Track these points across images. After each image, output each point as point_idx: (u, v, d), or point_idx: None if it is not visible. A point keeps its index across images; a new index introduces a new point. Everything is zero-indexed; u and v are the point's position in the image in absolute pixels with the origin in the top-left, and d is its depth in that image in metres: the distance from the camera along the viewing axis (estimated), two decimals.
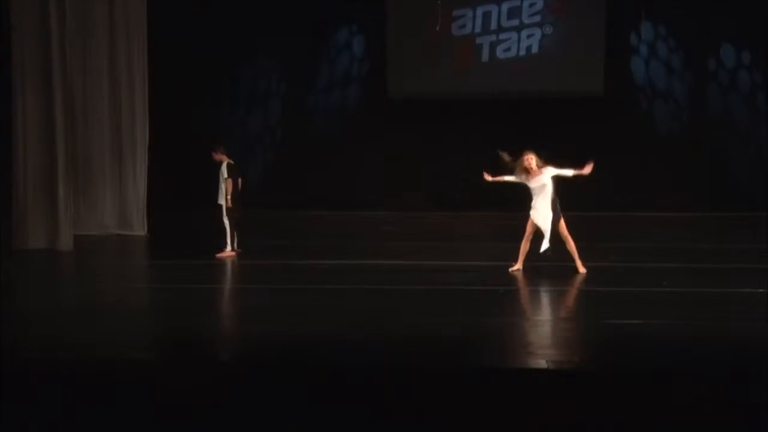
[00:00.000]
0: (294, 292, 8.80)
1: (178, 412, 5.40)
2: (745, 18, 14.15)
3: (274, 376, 5.79)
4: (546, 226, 9.29)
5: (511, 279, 9.32)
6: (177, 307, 8.16)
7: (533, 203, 9.40)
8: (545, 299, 8.66)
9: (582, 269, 9.35)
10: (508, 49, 15.04)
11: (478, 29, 15.08)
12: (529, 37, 14.98)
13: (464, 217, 13.95)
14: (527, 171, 9.35)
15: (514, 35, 15.01)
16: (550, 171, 9.32)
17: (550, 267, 9.78)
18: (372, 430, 5.21)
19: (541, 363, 6.23)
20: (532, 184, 9.37)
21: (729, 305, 8.09)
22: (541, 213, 9.32)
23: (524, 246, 9.46)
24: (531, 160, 9.32)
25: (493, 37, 15.05)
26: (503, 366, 6.14)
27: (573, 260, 9.37)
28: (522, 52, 14.99)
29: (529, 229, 9.41)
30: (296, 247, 11.43)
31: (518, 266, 9.46)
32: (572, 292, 8.96)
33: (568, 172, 9.28)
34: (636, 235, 12.05)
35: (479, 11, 15.03)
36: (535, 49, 14.96)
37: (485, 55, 15.07)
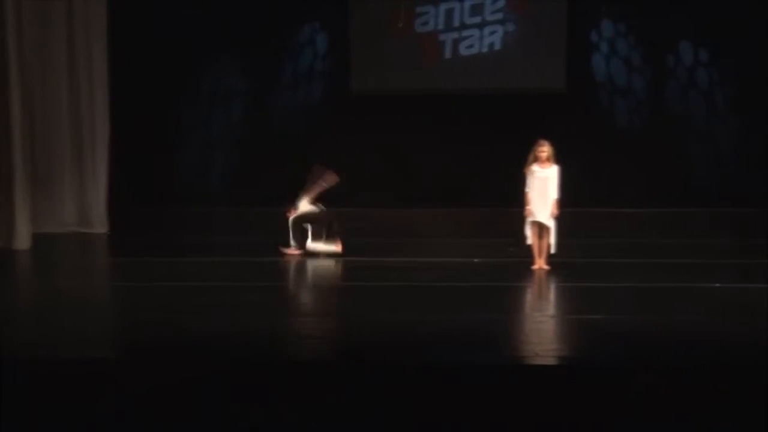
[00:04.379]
0: (259, 290, 8.77)
1: (142, 411, 5.37)
2: (702, 16, 14.35)
3: (239, 373, 5.77)
4: (549, 223, 9.28)
5: (477, 276, 9.38)
6: (139, 305, 8.10)
7: (532, 196, 9.29)
8: (509, 295, 8.72)
9: (544, 266, 9.42)
10: (471, 46, 15.10)
11: (441, 26, 15.11)
12: (491, 34, 15.05)
13: (430, 214, 13.98)
14: (536, 159, 9.32)
15: (476, 32, 15.07)
16: (557, 170, 9.33)
17: (514, 263, 9.85)
18: (344, 427, 5.22)
19: (505, 359, 6.28)
20: (539, 173, 9.31)
21: (687, 300, 8.21)
22: (541, 208, 9.27)
23: (536, 242, 9.37)
24: (544, 148, 9.29)
25: (456, 34, 15.10)
26: (469, 362, 6.18)
27: (538, 255, 9.42)
28: (485, 49, 15.06)
29: (533, 228, 9.34)
30: (261, 243, 11.39)
31: (539, 264, 9.40)
32: (535, 288, 9.04)
33: (556, 191, 9.27)
34: (596, 230, 12.17)
35: (442, 8, 15.06)
36: (497, 46, 15.03)
37: (448, 52, 15.11)
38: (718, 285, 8.64)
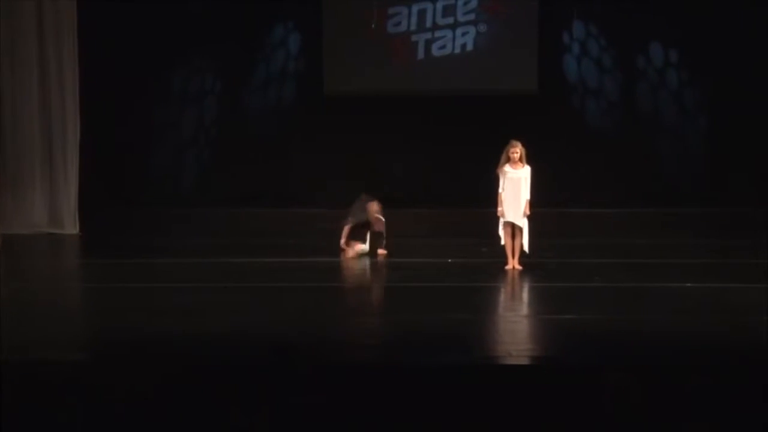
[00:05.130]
0: (230, 291, 8.73)
1: (114, 413, 5.32)
2: (671, 17, 14.50)
3: (211, 375, 5.74)
4: (521, 223, 9.30)
5: (450, 277, 9.39)
6: (110, 307, 8.04)
7: (504, 197, 9.32)
8: (483, 296, 8.74)
9: (517, 266, 9.45)
10: (444, 47, 15.14)
11: (413, 27, 15.14)
12: (464, 35, 15.10)
13: (403, 214, 13.98)
14: (509, 160, 9.33)
15: (449, 33, 15.12)
16: (529, 170, 9.35)
17: (487, 263, 9.88)
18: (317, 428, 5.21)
19: (478, 359, 6.30)
20: (511, 174, 9.34)
21: (659, 299, 8.28)
22: (513, 209, 9.29)
23: (509, 242, 9.39)
24: (517, 149, 9.32)
25: (429, 35, 15.13)
26: (442, 363, 6.19)
27: (511, 255, 9.44)
28: (457, 50, 15.10)
29: (506, 228, 9.37)
30: (233, 245, 11.34)
31: (512, 264, 9.40)
32: (508, 289, 9.07)
33: (528, 192, 9.32)
34: (568, 231, 12.24)
35: (414, 9, 15.09)
36: (470, 47, 15.09)
37: (421, 53, 15.15)
38: (689, 284, 8.71)
